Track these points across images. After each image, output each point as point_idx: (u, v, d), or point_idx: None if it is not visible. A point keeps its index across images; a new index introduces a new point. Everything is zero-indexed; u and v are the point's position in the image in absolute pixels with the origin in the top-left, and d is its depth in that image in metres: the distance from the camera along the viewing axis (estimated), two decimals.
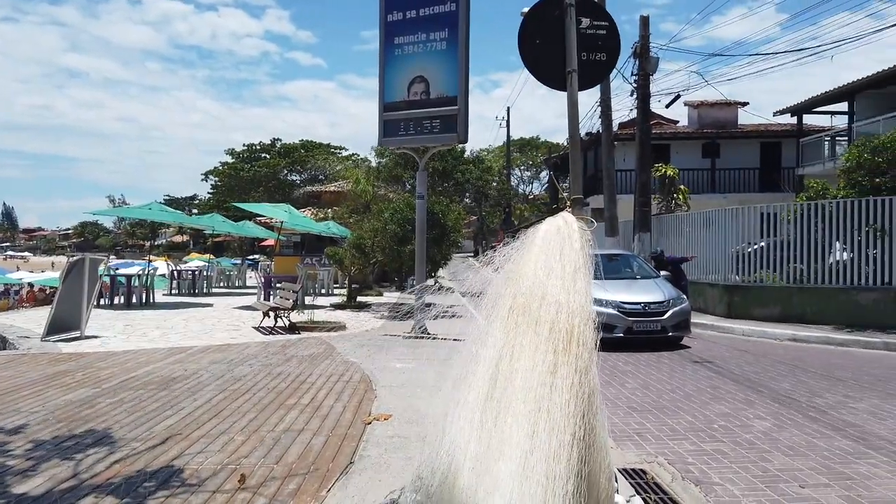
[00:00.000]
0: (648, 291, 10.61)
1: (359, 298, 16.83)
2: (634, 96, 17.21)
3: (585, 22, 3.48)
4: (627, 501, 3.63)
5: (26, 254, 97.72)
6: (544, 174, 56.65)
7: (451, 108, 10.35)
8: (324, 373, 7.24)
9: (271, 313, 11.48)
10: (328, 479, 3.87)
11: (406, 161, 26.56)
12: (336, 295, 19.33)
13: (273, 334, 10.63)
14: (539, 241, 3.02)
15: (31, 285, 30.78)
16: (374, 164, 31.60)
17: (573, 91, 3.28)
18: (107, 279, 15.77)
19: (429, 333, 10.32)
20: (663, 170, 20.29)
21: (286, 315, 11.38)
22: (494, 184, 48.12)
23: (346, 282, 18.29)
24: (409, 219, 14.28)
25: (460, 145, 31.60)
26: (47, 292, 26.14)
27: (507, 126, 47.02)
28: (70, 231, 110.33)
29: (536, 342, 2.57)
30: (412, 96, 10.75)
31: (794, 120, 25.02)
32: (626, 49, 17.85)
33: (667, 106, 19.41)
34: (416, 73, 10.72)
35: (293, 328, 11.09)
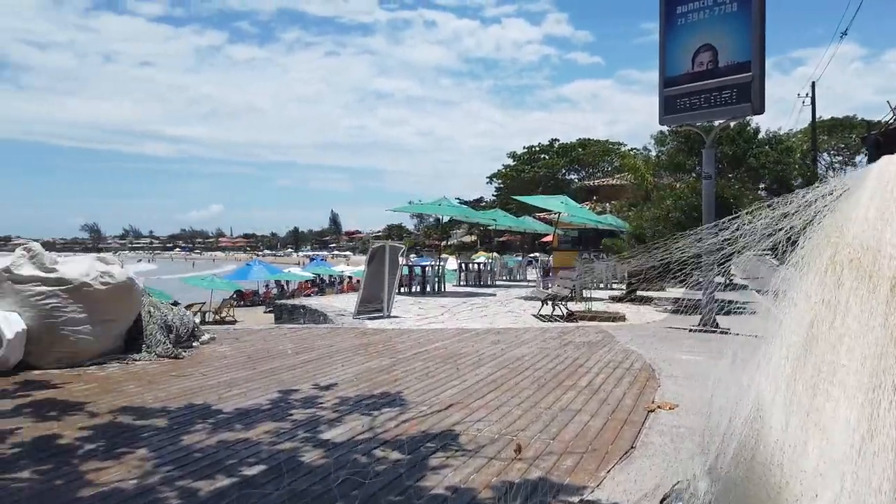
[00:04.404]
0: None
1: (639, 293, 16.09)
2: None
3: None
4: None
5: (348, 253, 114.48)
6: (861, 158, 48.21)
7: (743, 76, 9.25)
8: (602, 359, 6.97)
9: (549, 301, 11.53)
10: (607, 461, 3.61)
11: (689, 147, 24.71)
12: (614, 289, 18.79)
13: (551, 322, 10.65)
14: (872, 184, 2.39)
15: (349, 277, 36.57)
16: (653, 153, 30.06)
17: None
18: (405, 271, 17.53)
19: (719, 328, 9.35)
20: None
21: (564, 304, 11.33)
22: (796, 170, 42.31)
23: (626, 275, 17.63)
24: (695, 205, 13.18)
25: (753, 123, 28.40)
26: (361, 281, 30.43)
27: (812, 103, 40.93)
28: (380, 233, 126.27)
29: (870, 303, 2.00)
30: (697, 67, 9.85)
31: None
32: None
33: None
34: (701, 42, 9.82)
35: (571, 317, 10.98)
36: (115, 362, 6.60)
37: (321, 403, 4.94)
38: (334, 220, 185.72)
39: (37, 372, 6.08)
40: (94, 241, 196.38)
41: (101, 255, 7.80)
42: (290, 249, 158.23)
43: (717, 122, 11.07)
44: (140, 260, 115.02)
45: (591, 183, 37.14)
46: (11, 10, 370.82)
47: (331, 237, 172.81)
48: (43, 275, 6.56)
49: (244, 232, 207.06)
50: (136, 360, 6.73)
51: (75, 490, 3.17)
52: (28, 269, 6.57)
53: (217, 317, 26.58)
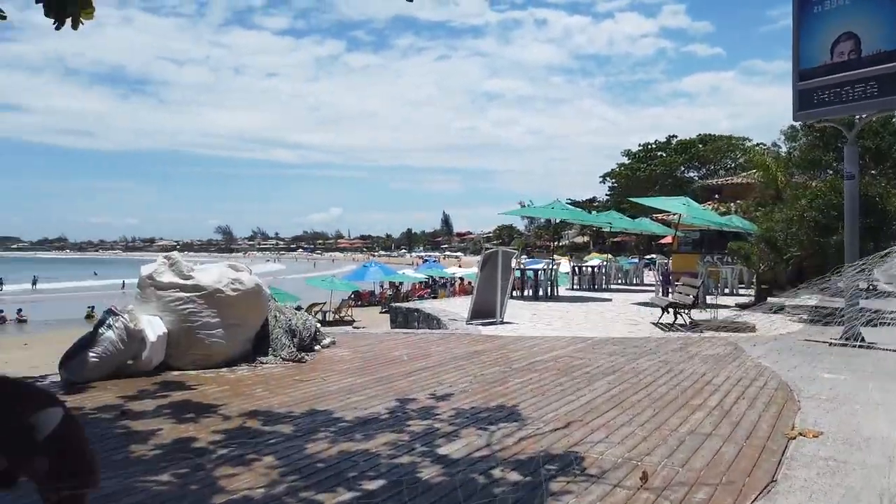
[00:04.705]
0: None
1: (769, 300, 14.99)
2: None
3: None
4: None
5: (459, 254, 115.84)
6: None
7: (891, 66, 8.40)
8: (731, 375, 6.51)
9: (670, 310, 10.99)
10: (745, 496, 3.32)
11: (825, 142, 22.79)
12: (742, 296, 17.65)
13: (672, 331, 10.14)
14: None
15: (461, 279, 36.92)
16: (783, 150, 27.92)
17: None
18: (518, 274, 17.37)
19: (865, 342, 8.50)
20: None
21: (686, 312, 10.75)
22: None
23: (754, 281, 16.53)
24: (835, 204, 12.11)
25: None
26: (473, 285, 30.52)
27: None
28: (491, 234, 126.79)
29: None
30: (837, 58, 9.03)
31: None
32: None
33: None
34: (841, 30, 9.00)
35: (694, 326, 10.40)
36: (244, 365, 6.98)
37: (437, 415, 4.94)
38: (446, 222, 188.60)
39: (175, 373, 6.54)
40: (226, 243, 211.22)
41: (232, 262, 8.28)
42: (403, 250, 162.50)
43: (859, 117, 10.10)
44: (268, 260, 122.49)
45: (714, 182, 35.14)
46: (152, 30, 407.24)
47: (443, 238, 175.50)
48: (181, 281, 7.05)
49: (361, 233, 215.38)
50: (263, 364, 7.08)
51: (209, 496, 3.33)
52: (168, 277, 7.09)
53: (337, 316, 27.76)
